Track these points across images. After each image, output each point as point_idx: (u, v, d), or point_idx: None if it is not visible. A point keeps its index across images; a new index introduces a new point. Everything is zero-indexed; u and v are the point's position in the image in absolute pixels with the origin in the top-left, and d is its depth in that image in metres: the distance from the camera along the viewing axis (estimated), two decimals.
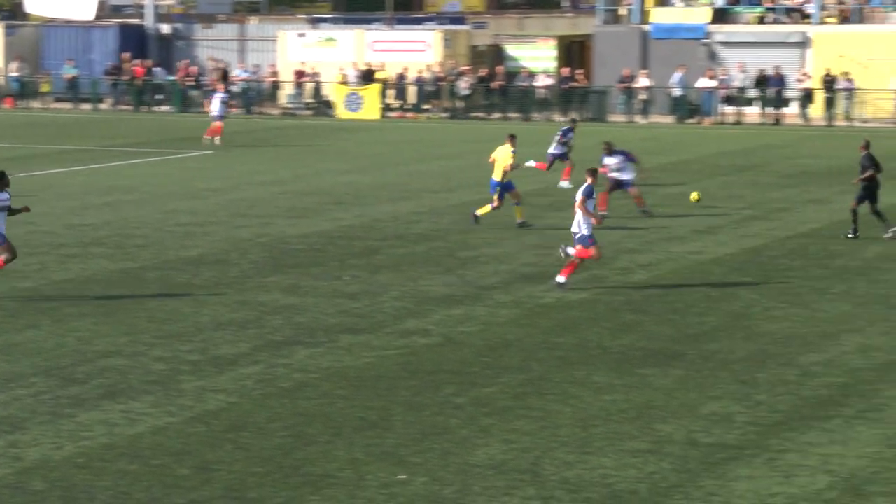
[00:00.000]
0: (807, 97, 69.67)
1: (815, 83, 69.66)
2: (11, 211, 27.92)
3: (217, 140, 58.22)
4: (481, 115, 74.43)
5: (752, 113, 70.83)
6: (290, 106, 77.89)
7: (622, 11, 77.29)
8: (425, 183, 47.28)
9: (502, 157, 36.71)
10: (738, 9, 75.58)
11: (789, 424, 19.79)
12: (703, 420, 19.86)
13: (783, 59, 71.22)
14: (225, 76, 75.77)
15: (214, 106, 60.21)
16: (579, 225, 28.49)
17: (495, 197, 36.88)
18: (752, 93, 71.14)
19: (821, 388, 21.77)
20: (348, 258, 33.00)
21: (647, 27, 75.07)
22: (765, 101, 70.74)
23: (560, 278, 28.88)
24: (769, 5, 74.76)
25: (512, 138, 37.41)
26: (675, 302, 28.26)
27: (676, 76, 70.86)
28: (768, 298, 28.58)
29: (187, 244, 34.89)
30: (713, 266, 32.36)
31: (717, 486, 16.94)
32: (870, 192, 34.58)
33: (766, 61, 70.52)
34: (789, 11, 74.29)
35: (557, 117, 67.95)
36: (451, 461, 17.79)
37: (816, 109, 69.30)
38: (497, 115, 73.85)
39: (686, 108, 71.65)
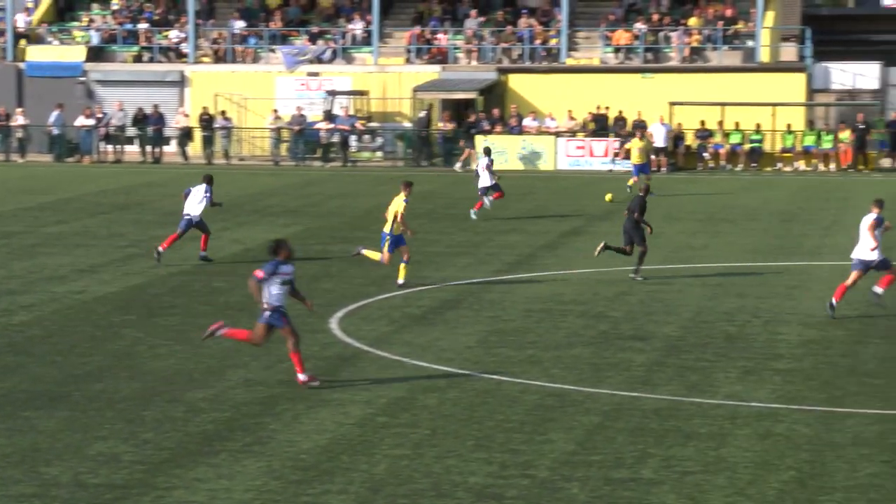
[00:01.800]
0: (185, 135, 69.85)
1: (193, 121, 70.15)
2: None
3: None
4: None
5: (133, 151, 70.64)
6: None
7: None
8: None
9: (394, 206, 33.88)
10: (114, 48, 75.38)
11: (177, 461, 19.78)
12: (89, 461, 19.57)
13: (162, 97, 71.56)
14: None
15: None
16: None
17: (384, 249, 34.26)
18: (132, 131, 70.98)
19: (207, 423, 21.88)
20: None
21: (21, 65, 73.95)
22: (144, 140, 70.53)
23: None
24: (145, 45, 74.91)
25: (407, 186, 34.59)
26: (59, 343, 27.77)
27: (54, 114, 69.92)
28: (153, 336, 28.48)
29: None
30: (97, 305, 32.00)
31: None
32: None
33: (144, 100, 70.75)
34: (165, 51, 74.61)
35: None
36: None
37: (195, 147, 69.74)
38: None
39: (65, 146, 70.76)
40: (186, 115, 70.67)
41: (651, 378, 24.80)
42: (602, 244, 34.44)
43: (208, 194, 37.27)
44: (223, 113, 70.01)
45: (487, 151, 47.78)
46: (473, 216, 45.24)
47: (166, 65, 73.87)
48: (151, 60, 74.69)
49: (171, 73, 73.06)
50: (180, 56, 74.16)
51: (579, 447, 20.52)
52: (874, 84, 69.31)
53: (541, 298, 32.60)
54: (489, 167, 46.08)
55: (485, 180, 45.93)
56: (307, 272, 36.23)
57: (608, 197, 25.72)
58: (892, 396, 23.37)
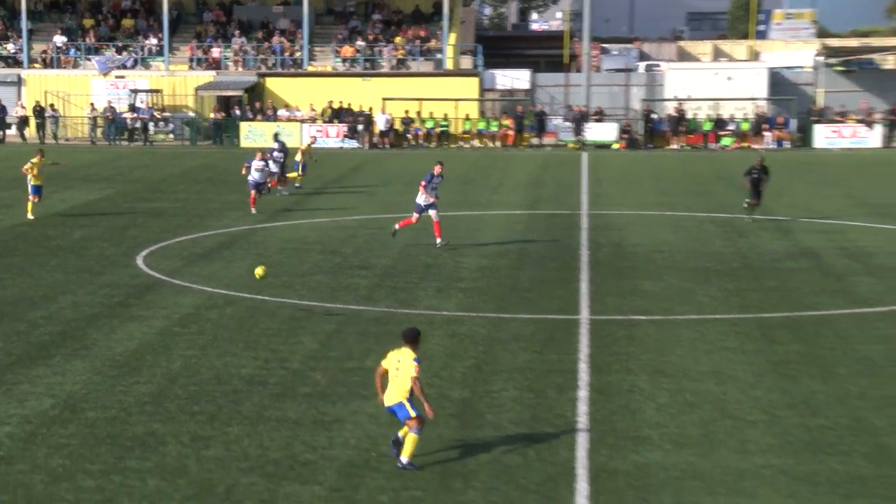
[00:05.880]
0: (23, 122, 67.95)
1: (28, 112, 68.21)
2: None
3: None
4: None
5: None
6: None
7: None
8: None
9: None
10: None
11: (21, 363, 19.32)
12: None
13: (4, 94, 69.24)
14: None
15: None
16: None
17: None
18: None
19: (44, 335, 21.36)
20: None
21: None
22: None
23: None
24: None
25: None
26: None
27: None
28: (1, 271, 27.68)
29: None
30: None
31: None
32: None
33: None
34: (5, 58, 72.07)
35: None
36: None
37: (31, 131, 67.90)
38: None
39: None
40: (24, 108, 68.70)
41: (372, 295, 24.99)
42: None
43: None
44: (52, 105, 68.35)
45: (276, 136, 46.30)
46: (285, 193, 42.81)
47: (6, 69, 71.31)
48: None
49: (10, 75, 70.64)
50: (17, 63, 71.71)
51: (321, 346, 20.62)
52: (526, 85, 70.52)
53: (292, 240, 32.53)
54: (282, 151, 42.97)
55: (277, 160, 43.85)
56: (118, 224, 35.57)
57: (259, 272, 23.41)
58: (541, 306, 23.96)
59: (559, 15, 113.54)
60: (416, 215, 31.04)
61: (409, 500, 13.61)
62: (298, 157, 44.72)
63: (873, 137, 62.61)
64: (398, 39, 70.65)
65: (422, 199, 30.80)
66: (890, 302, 24.01)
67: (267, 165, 39.06)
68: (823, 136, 62.94)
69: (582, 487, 13.89)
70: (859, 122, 63.33)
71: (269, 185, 40.64)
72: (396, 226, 31.56)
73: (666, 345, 20.57)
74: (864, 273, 27.27)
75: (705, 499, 13.58)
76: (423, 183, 30.86)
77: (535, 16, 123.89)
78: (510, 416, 16.52)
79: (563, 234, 33.25)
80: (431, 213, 30.77)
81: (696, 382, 18.24)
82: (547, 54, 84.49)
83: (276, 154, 41.79)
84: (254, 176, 37.84)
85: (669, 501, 13.51)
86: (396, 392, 14.46)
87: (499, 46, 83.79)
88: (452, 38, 69.82)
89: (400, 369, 14.40)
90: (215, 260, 29.56)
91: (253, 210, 37.34)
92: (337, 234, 33.72)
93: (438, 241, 30.75)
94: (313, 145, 49.08)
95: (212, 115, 66.84)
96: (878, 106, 65.24)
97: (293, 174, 44.19)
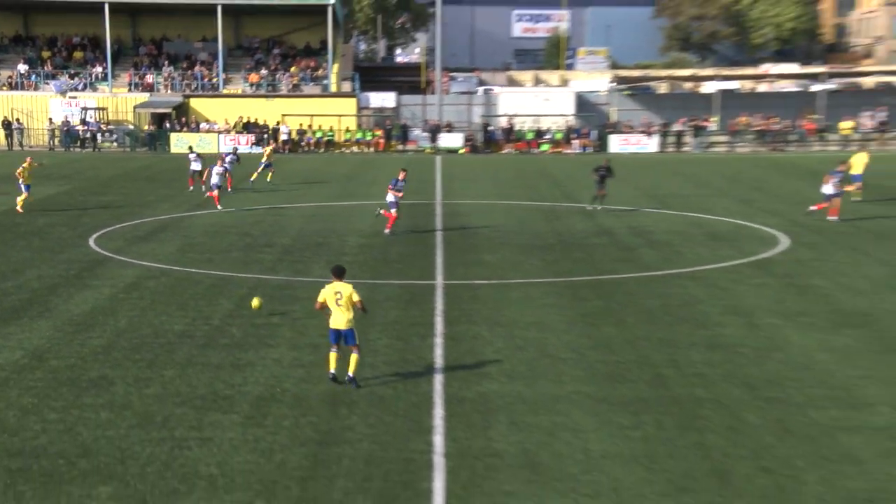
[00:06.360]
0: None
1: None
2: None
3: None
4: None
5: None
6: None
7: None
8: None
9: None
10: None
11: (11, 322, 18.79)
12: None
13: None
14: None
15: None
16: None
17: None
18: None
19: (14, 301, 20.72)
20: None
21: None
22: None
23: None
24: None
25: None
26: None
27: None
28: None
29: None
30: None
31: None
32: None
33: None
34: None
35: None
36: None
37: (0, 140, 65.35)
38: None
39: None
40: None
41: (275, 268, 24.75)
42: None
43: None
44: (17, 119, 65.86)
45: (190, 149, 44.81)
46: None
47: None
48: None
49: None
50: None
51: (236, 307, 20.35)
52: (393, 104, 70.19)
53: (213, 225, 31.99)
54: (197, 159, 41.51)
55: (196, 166, 41.30)
56: (74, 213, 34.54)
57: (255, 303, 22.03)
58: (406, 274, 23.98)
59: (417, 50, 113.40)
60: (393, 210, 29.84)
61: (306, 424, 13.55)
62: (264, 159, 44.27)
63: (652, 144, 63.94)
64: (293, 69, 69.78)
65: (391, 197, 29.84)
66: (665, 268, 24.59)
67: (226, 171, 36.71)
68: (617, 143, 64.02)
69: (438, 412, 14.00)
70: (642, 132, 64.63)
71: (227, 186, 39.08)
72: (386, 230, 29.83)
73: (501, 302, 20.79)
74: (646, 246, 27.85)
75: (531, 418, 13.79)
76: (391, 186, 29.92)
77: (399, 50, 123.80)
78: (383, 359, 16.54)
79: (423, 219, 33.31)
80: (392, 210, 29.84)
81: (523, 331, 18.48)
82: (408, 80, 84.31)
83: (229, 158, 39.75)
84: (214, 180, 35.26)
85: (504, 421, 13.69)
86: (344, 319, 14.61)
87: (371, 74, 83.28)
88: (335, 67, 69.23)
89: (342, 299, 14.56)
90: (151, 241, 28.92)
91: (219, 207, 34.89)
92: (248, 219, 33.26)
93: (387, 231, 29.74)
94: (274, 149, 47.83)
95: (147, 128, 65.31)
96: (655, 121, 66.67)
97: (256, 175, 43.45)
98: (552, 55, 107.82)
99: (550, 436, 13.03)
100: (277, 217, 33.66)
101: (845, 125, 63.69)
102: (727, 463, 12.15)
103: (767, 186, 42.49)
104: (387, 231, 29.86)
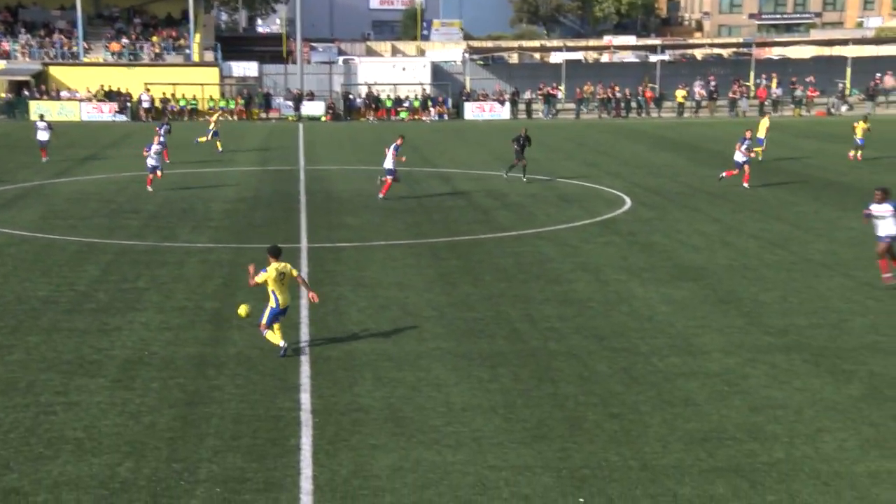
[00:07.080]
0: None
1: None
2: None
3: None
4: None
5: None
6: None
7: None
8: None
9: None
10: None
11: None
12: None
13: None
14: None
15: None
16: None
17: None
18: None
19: None
20: None
21: None
22: None
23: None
24: None
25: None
26: None
27: None
28: None
29: None
30: None
31: None
32: None
33: None
34: None
35: None
36: None
37: None
38: None
39: None
40: None
41: (141, 233, 23.96)
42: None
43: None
44: None
45: (42, 117, 42.64)
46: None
47: None
48: None
49: None
50: None
51: (102, 272, 19.64)
52: (255, 73, 68.69)
53: (75, 192, 30.73)
54: (47, 128, 38.01)
55: (43, 136, 37.92)
56: None
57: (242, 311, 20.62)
58: (271, 238, 23.56)
59: (278, 21, 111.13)
60: (388, 178, 28.91)
61: (175, 385, 13.16)
62: (212, 126, 42.54)
63: (504, 112, 64.54)
64: (155, 38, 67.41)
65: (390, 164, 28.87)
66: (519, 228, 24.88)
67: (163, 146, 32.10)
68: (471, 111, 64.34)
69: (305, 370, 13.81)
70: (494, 100, 65.11)
71: (165, 158, 34.85)
72: (380, 195, 28.98)
73: (364, 264, 20.65)
74: (501, 208, 28.10)
75: (395, 373, 13.75)
76: (392, 151, 28.91)
77: (260, 21, 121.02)
78: (250, 320, 16.19)
79: (287, 185, 32.78)
80: (389, 178, 28.92)
81: (386, 290, 18.40)
82: (270, 50, 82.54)
83: (163, 130, 36.96)
84: (153, 161, 30.77)
85: (370, 377, 13.61)
86: (288, 297, 14.43)
87: (233, 44, 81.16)
88: (197, 37, 67.21)
89: (285, 278, 14.30)
90: (12, 208, 27.57)
91: (149, 188, 30.81)
92: (112, 187, 32.06)
93: (381, 196, 28.89)
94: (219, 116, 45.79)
95: (4, 95, 62.10)
96: (507, 89, 67.27)
97: (204, 139, 41.79)
98: (409, 27, 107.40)
99: (414, 390, 13.01)
100: (142, 184, 32.54)
101: (680, 93, 65.64)
102: (579, 410, 12.37)
103: (611, 150, 43.44)
104: (381, 196, 29.10)
